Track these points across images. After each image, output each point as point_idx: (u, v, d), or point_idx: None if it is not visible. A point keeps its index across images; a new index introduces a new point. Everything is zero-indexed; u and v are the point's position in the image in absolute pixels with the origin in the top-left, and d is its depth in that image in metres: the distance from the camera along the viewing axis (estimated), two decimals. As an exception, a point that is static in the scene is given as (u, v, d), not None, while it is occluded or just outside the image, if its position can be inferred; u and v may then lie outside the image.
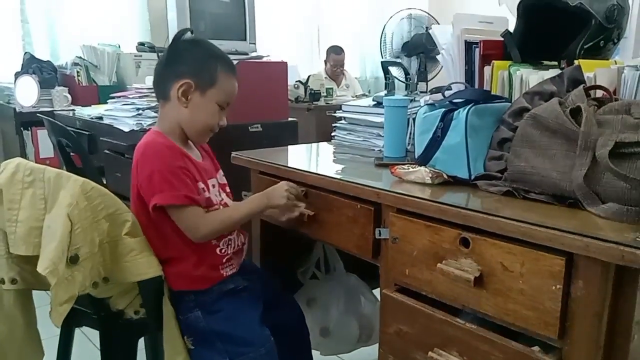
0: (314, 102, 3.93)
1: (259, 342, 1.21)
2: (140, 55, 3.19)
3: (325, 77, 4.58)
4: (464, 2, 4.75)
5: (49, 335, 1.21)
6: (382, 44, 2.10)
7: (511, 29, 1.40)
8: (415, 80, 1.93)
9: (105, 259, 1.09)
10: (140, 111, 2.08)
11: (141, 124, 2.04)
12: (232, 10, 3.44)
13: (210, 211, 1.20)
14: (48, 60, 3.33)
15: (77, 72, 3.24)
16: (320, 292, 1.68)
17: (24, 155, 2.96)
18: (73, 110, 2.84)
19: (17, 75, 3.10)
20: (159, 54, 1.34)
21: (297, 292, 1.67)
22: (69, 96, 3.16)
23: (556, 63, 1.35)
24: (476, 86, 1.39)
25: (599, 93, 1.08)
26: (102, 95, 3.05)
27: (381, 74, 1.89)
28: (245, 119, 2.27)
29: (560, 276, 0.82)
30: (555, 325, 0.83)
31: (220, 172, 1.34)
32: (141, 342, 1.32)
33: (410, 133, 1.43)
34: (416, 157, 1.25)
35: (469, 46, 1.40)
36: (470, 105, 1.13)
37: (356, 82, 5.07)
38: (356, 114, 1.60)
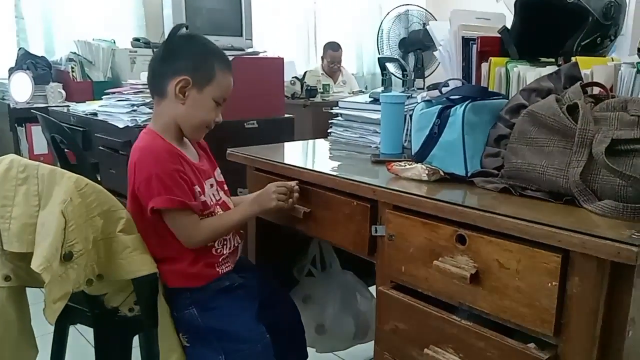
0: (311, 99, 3.93)
1: (254, 339, 1.21)
2: (136, 51, 3.17)
3: (322, 74, 4.58)
4: (460, -2, 4.75)
5: (43, 332, 1.20)
6: (379, 40, 2.09)
7: (508, 25, 1.39)
8: (412, 76, 1.93)
9: (99, 256, 1.09)
10: (135, 107, 2.07)
11: (136, 120, 2.03)
12: (228, 5, 3.42)
13: (205, 215, 1.20)
14: (42, 56, 3.31)
15: (72, 67, 3.22)
16: (316, 289, 1.68)
17: (17, 151, 2.95)
18: (67, 106, 2.83)
19: (11, 71, 3.08)
20: (154, 50, 1.32)
21: (292, 289, 1.66)
22: (63, 92, 3.14)
23: (553, 60, 1.35)
24: (473, 83, 1.39)
25: (596, 90, 1.08)
26: (96, 91, 3.04)
27: (378, 70, 1.88)
28: (241, 115, 2.26)
29: (556, 273, 0.82)
30: (551, 322, 0.83)
31: (218, 170, 1.34)
32: (136, 340, 1.31)
33: (407, 130, 1.43)
34: (413, 153, 1.24)
35: (466, 42, 1.40)
36: (467, 102, 1.13)
37: (353, 78, 5.06)
38: (353, 111, 1.59)
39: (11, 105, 2.99)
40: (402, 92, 1.71)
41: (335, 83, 4.67)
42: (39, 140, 2.80)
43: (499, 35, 1.37)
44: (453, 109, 1.14)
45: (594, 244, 0.77)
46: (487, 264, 0.91)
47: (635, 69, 1.14)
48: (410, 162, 1.18)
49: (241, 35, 3.35)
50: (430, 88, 1.36)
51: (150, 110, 2.02)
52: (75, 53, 3.29)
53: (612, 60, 1.28)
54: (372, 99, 1.56)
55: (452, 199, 0.98)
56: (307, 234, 1.35)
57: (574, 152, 0.93)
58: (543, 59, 1.38)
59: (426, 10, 2.06)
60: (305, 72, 4.18)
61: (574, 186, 0.91)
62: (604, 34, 1.33)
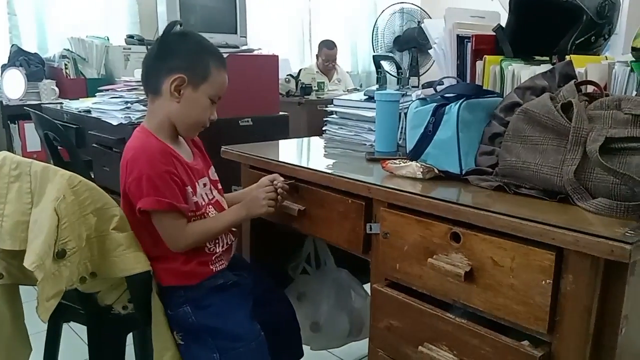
0: (305, 96, 3.92)
1: (248, 337, 1.20)
2: (129, 48, 3.15)
3: (317, 72, 4.57)
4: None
5: (37, 330, 1.20)
6: (374, 38, 2.09)
7: (503, 23, 1.39)
8: (407, 74, 1.93)
9: (92, 253, 1.08)
10: (129, 104, 2.06)
11: (130, 117, 2.02)
12: (222, 3, 3.41)
13: (197, 216, 1.20)
14: (35, 53, 3.29)
15: (65, 64, 3.20)
16: (310, 287, 1.68)
17: (10, 148, 2.93)
18: (61, 103, 2.81)
19: (4, 67, 3.07)
20: (148, 47, 1.32)
21: (287, 287, 1.66)
22: (56, 89, 3.12)
23: (548, 58, 1.35)
24: (468, 81, 1.39)
25: (590, 88, 1.09)
26: (90, 88, 3.02)
27: (373, 68, 1.88)
28: (236, 113, 2.26)
29: (550, 271, 0.82)
30: (544, 320, 0.84)
31: (212, 168, 1.33)
32: (130, 338, 1.31)
33: (402, 128, 1.43)
34: (407, 151, 1.24)
35: (461, 41, 1.40)
36: (461, 100, 1.13)
37: (348, 76, 5.06)
38: (348, 109, 1.59)
39: (4, 102, 2.98)
40: (397, 90, 1.71)
41: (330, 81, 4.66)
42: (32, 137, 2.78)
43: (494, 34, 1.38)
44: (447, 107, 1.15)
45: (588, 241, 0.77)
46: (481, 262, 0.91)
47: (629, 68, 1.14)
48: (405, 160, 1.18)
49: (235, 33, 3.34)
50: (424, 86, 1.36)
51: (144, 108, 2.01)
52: (68, 50, 3.27)
53: (606, 59, 1.28)
54: (367, 96, 1.56)
55: (447, 197, 0.98)
56: (301, 231, 1.35)
57: (568, 151, 0.93)
58: (537, 57, 1.38)
59: (421, 8, 2.06)
60: (300, 70, 4.18)
61: (568, 184, 0.91)
62: (598, 33, 1.33)
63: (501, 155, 1.06)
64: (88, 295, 1.19)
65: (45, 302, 1.00)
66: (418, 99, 1.27)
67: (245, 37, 3.42)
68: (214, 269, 1.23)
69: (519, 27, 1.37)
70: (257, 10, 4.28)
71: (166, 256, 1.18)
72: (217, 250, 1.24)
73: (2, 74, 3.00)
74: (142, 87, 1.34)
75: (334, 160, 1.45)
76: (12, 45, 3.32)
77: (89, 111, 2.31)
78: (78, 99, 2.80)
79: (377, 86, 1.79)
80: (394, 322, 1.07)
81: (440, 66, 1.48)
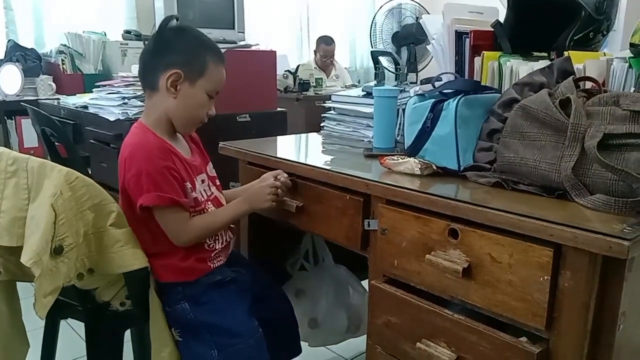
0: (303, 92, 3.92)
1: (247, 334, 1.20)
2: (127, 44, 3.15)
3: (315, 67, 4.56)
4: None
5: (34, 327, 1.20)
6: (372, 34, 2.09)
7: (502, 19, 1.39)
8: (405, 70, 1.92)
9: (90, 250, 1.08)
10: (126, 100, 2.05)
11: (127, 113, 2.01)
12: (220, -2, 3.40)
13: (197, 211, 1.19)
14: (32, 48, 3.28)
15: (62, 60, 3.19)
16: (308, 283, 1.68)
17: (7, 144, 2.93)
18: (58, 99, 2.80)
19: (1, 63, 3.05)
20: (145, 42, 1.31)
21: (285, 283, 1.66)
22: (53, 85, 3.11)
23: (546, 54, 1.35)
24: (466, 77, 1.38)
25: (588, 84, 1.08)
26: (87, 83, 3.02)
27: (371, 64, 1.88)
28: (234, 109, 2.25)
29: (548, 267, 0.82)
30: (542, 316, 0.84)
31: (210, 164, 1.33)
32: (127, 334, 1.31)
33: (400, 124, 1.43)
34: (406, 147, 1.24)
35: (459, 36, 1.40)
36: (460, 96, 1.13)
37: (346, 72, 5.05)
38: (346, 105, 1.59)
39: (0, 98, 2.96)
40: (395, 86, 1.71)
41: (328, 77, 4.66)
42: (29, 133, 2.77)
43: (492, 29, 1.37)
44: (446, 103, 1.14)
45: (586, 238, 0.77)
46: (480, 258, 0.91)
47: (627, 64, 1.14)
48: (403, 156, 1.18)
49: (233, 28, 3.33)
50: (423, 82, 1.35)
51: (141, 103, 2.01)
52: (65, 45, 3.26)
53: (605, 55, 1.28)
54: (365, 92, 1.56)
55: (445, 193, 0.98)
56: (300, 228, 1.35)
57: (566, 147, 0.93)
58: (536, 53, 1.38)
59: (419, 3, 2.06)
60: (298, 66, 4.17)
61: (566, 180, 0.91)
62: (597, 29, 1.33)
63: (499, 151, 1.05)
64: (86, 292, 1.18)
65: (43, 298, 0.99)
66: (416, 94, 1.26)
67: (243, 32, 3.41)
68: (212, 265, 1.23)
69: (517, 23, 1.36)
70: (255, 5, 4.27)
71: (165, 252, 1.18)
72: (217, 247, 1.24)
73: (-2, 69, 2.99)
74: (139, 83, 1.34)
75: (332, 157, 1.45)
76: (9, 40, 3.31)
77: (86, 107, 2.30)
78: (75, 94, 2.79)
79: (375, 82, 1.79)
80: (392, 319, 1.07)
81: (439, 62, 1.48)
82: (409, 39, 2.00)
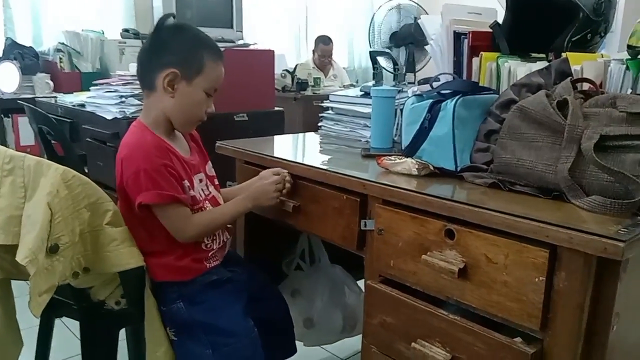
0: (301, 92, 3.91)
1: (242, 333, 1.20)
2: (125, 42, 3.14)
3: (313, 67, 4.56)
4: (452, -7, 4.74)
5: (29, 325, 1.19)
6: (370, 34, 2.08)
7: (500, 20, 1.39)
8: (404, 70, 1.92)
9: (86, 248, 1.08)
10: (124, 99, 2.05)
11: (124, 111, 2.01)
12: (218, -3, 3.40)
13: (195, 210, 1.19)
14: (30, 46, 3.27)
15: (60, 58, 3.18)
16: (304, 283, 1.68)
17: (4, 142, 2.91)
18: (55, 97, 2.79)
19: (-2, 60, 3.04)
20: (144, 41, 1.31)
21: (281, 283, 1.66)
22: (51, 83, 3.10)
23: (544, 55, 1.35)
24: (464, 77, 1.39)
25: (586, 86, 1.09)
26: (85, 82, 3.01)
27: (369, 64, 1.87)
28: (231, 108, 2.25)
29: (543, 268, 0.82)
30: (537, 317, 0.84)
31: (209, 164, 1.32)
32: (122, 333, 1.30)
33: (398, 124, 1.43)
34: (403, 148, 1.24)
35: (457, 37, 1.40)
36: (458, 97, 1.13)
37: (344, 72, 5.05)
38: (343, 104, 1.59)
39: (-2, 96, 2.95)
40: (393, 86, 1.71)
41: (326, 77, 4.65)
42: (26, 131, 2.76)
43: (491, 30, 1.37)
44: (444, 103, 1.14)
45: (581, 239, 0.77)
46: (475, 259, 0.91)
47: (625, 66, 1.15)
48: (401, 157, 1.18)
49: (232, 27, 3.34)
50: (421, 82, 1.36)
51: (139, 102, 2.00)
52: (63, 43, 3.25)
53: (602, 57, 1.28)
54: (362, 92, 1.56)
55: (442, 194, 0.98)
56: (296, 227, 1.34)
57: (563, 148, 0.93)
58: (534, 55, 1.38)
59: (418, 4, 2.05)
60: (296, 65, 4.17)
61: (563, 182, 0.91)
62: (595, 30, 1.33)
63: (496, 152, 1.05)
64: (81, 291, 1.18)
65: (38, 297, 0.99)
66: (414, 95, 1.27)
67: (242, 31, 3.41)
68: (208, 265, 1.22)
69: (515, 24, 1.37)
70: (253, 4, 4.27)
71: (161, 251, 1.18)
72: (214, 247, 1.24)
73: (-4, 67, 2.99)
74: (137, 82, 1.33)
75: (329, 156, 1.45)
76: (7, 38, 3.30)
77: (83, 105, 2.30)
78: (72, 92, 2.78)
79: (373, 82, 1.78)
80: (388, 319, 1.07)
81: (437, 62, 1.48)
82: (408, 39, 2.00)
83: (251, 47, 2.85)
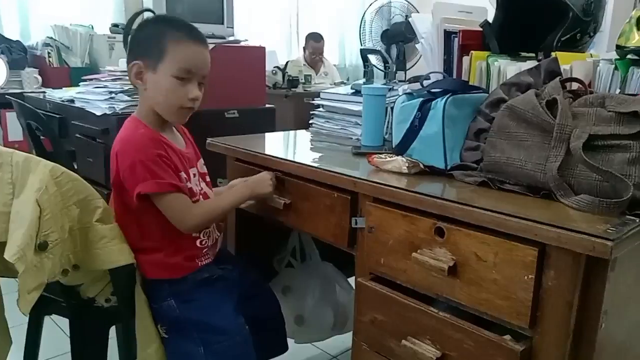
0: (292, 89, 3.90)
1: (233, 331, 1.20)
2: (114, 37, 3.11)
3: (304, 64, 4.55)
4: (443, -9, 4.75)
5: (18, 323, 1.18)
6: (361, 32, 2.08)
7: (490, 19, 1.40)
8: (394, 68, 1.93)
9: (75, 245, 1.07)
10: (113, 94, 2.03)
11: (114, 107, 1.99)
12: (209, -8, 3.37)
13: (193, 202, 1.19)
14: (17, 40, 3.23)
15: (48, 53, 3.14)
16: (295, 280, 1.68)
17: (-8, 137, 2.88)
18: (43, 92, 2.77)
19: (-15, 55, 3.00)
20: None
21: (272, 280, 1.66)
22: (39, 78, 3.07)
23: (533, 54, 1.36)
24: (454, 76, 1.39)
25: (575, 85, 1.10)
26: (74, 77, 2.97)
27: (360, 61, 1.87)
28: (222, 104, 2.24)
29: (532, 266, 0.83)
30: (526, 315, 0.85)
31: (201, 160, 1.32)
32: (113, 331, 1.30)
33: (388, 122, 1.43)
34: (394, 146, 1.25)
35: (448, 36, 1.40)
36: (448, 96, 1.13)
37: (335, 69, 5.04)
38: (334, 102, 1.59)
39: (-15, 91, 2.91)
40: (384, 84, 1.71)
41: (317, 74, 4.65)
42: (14, 126, 2.73)
43: (481, 29, 1.38)
44: (434, 102, 1.15)
45: (570, 238, 0.78)
46: (465, 257, 0.92)
47: (613, 66, 1.16)
48: (391, 155, 1.18)
49: (222, 23, 3.31)
50: (411, 80, 1.36)
51: (128, 98, 2.00)
52: (52, 38, 3.21)
53: (591, 56, 1.30)
54: (353, 90, 1.56)
55: (432, 192, 0.99)
56: (287, 225, 1.35)
57: (552, 147, 0.94)
58: (523, 54, 1.39)
59: (409, 2, 2.06)
60: (287, 62, 4.15)
61: (552, 180, 0.92)
62: (584, 30, 1.34)
63: (486, 151, 1.06)
64: (70, 288, 1.17)
65: (27, 294, 0.98)
66: (405, 93, 1.27)
67: (232, 27, 3.38)
68: (199, 263, 1.22)
69: (505, 24, 1.37)
70: (244, 1, 4.25)
71: (153, 247, 1.17)
72: (209, 244, 1.24)
73: (-17, 61, 2.95)
74: (126, 77, 1.32)
75: (320, 154, 1.45)
76: (-6, 32, 3.26)
77: (72, 101, 2.28)
78: (61, 88, 2.75)
79: (364, 80, 1.79)
80: (378, 316, 1.07)
81: (427, 61, 1.48)
82: (398, 37, 2.00)
83: (242, 44, 2.83)
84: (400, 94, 1.33)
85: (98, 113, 2.03)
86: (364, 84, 1.56)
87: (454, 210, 0.93)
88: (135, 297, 1.16)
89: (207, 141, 1.51)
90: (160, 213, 1.14)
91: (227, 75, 2.18)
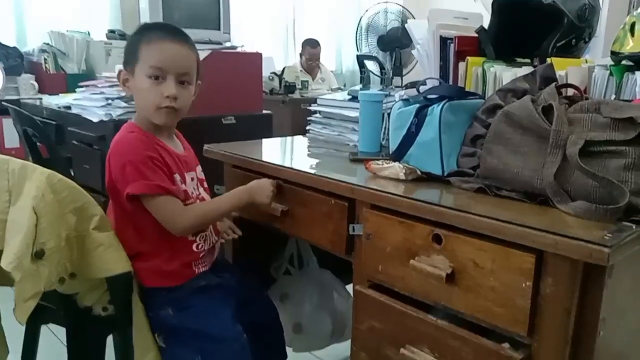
0: (289, 95, 3.91)
1: (231, 339, 1.20)
2: (111, 43, 3.12)
3: (301, 70, 4.56)
4: (439, -4, 4.78)
5: (14, 332, 1.18)
6: (357, 38, 2.09)
7: (486, 25, 1.40)
8: (391, 74, 1.93)
9: (72, 253, 1.07)
10: (110, 101, 2.03)
11: (110, 114, 1.99)
12: (206, -2, 3.38)
13: (186, 204, 1.18)
14: (14, 47, 3.23)
15: (45, 59, 3.14)
16: (293, 287, 1.68)
17: (-12, 144, 2.87)
18: (40, 98, 2.76)
19: (-19, 61, 3.00)
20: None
21: (270, 287, 1.66)
22: (35, 84, 3.07)
23: (529, 60, 1.37)
24: (450, 82, 1.39)
25: (570, 91, 1.10)
26: (70, 83, 2.97)
27: (357, 67, 1.88)
28: (219, 110, 2.24)
29: (530, 273, 0.83)
30: (524, 322, 0.84)
31: (199, 167, 1.32)
32: (110, 340, 1.29)
33: (385, 128, 1.43)
34: (390, 152, 1.25)
35: (444, 42, 1.41)
36: (444, 102, 1.13)
37: (332, 75, 5.05)
38: (331, 108, 1.59)
39: (-19, 97, 2.91)
40: (381, 90, 1.71)
41: (313, 80, 4.66)
42: (10, 133, 2.72)
43: (477, 35, 1.38)
44: (430, 108, 1.15)
45: (567, 244, 0.78)
46: (463, 264, 0.92)
47: (608, 72, 1.16)
48: (388, 161, 1.18)
49: (219, 29, 3.32)
50: (408, 86, 1.36)
51: (125, 104, 2.00)
52: (48, 44, 3.21)
53: (586, 62, 1.30)
54: (350, 96, 1.56)
55: (429, 199, 0.99)
56: (284, 232, 1.34)
57: (548, 153, 0.94)
58: (519, 60, 1.40)
59: (405, 8, 2.07)
60: (284, 68, 4.16)
61: (548, 187, 0.92)
62: (579, 36, 1.35)
63: (482, 157, 1.06)
64: (67, 296, 1.17)
65: (23, 303, 0.98)
66: (401, 99, 1.27)
67: (229, 33, 3.39)
68: (196, 270, 1.22)
69: (501, 29, 1.38)
70: (241, 7, 4.26)
71: (150, 252, 1.17)
72: (205, 248, 1.23)
73: (-21, 68, 2.94)
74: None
75: (318, 160, 1.45)
76: (-10, 38, 3.26)
77: (69, 107, 2.28)
78: (58, 94, 2.75)
79: (360, 86, 1.79)
80: (376, 324, 1.07)
81: (424, 67, 1.49)
82: (395, 43, 2.01)
83: (239, 50, 2.84)
84: (396, 100, 1.33)
85: (95, 119, 2.02)
86: (361, 89, 1.56)
87: (451, 217, 0.92)
88: (133, 306, 1.15)
89: (204, 147, 1.51)
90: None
91: (223, 81, 2.18)
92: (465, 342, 0.91)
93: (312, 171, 1.23)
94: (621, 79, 1.14)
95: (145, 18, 3.20)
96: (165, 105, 1.15)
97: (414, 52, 1.55)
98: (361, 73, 1.87)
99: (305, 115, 1.68)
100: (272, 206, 1.28)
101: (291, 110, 3.69)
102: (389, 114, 1.33)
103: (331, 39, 5.44)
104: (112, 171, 1.14)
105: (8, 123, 2.67)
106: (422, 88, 1.23)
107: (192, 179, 1.25)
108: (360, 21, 2.08)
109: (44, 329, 1.35)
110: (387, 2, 2.11)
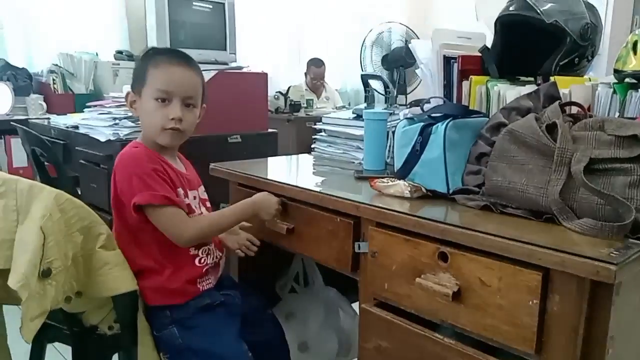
0: (294, 113, 3.94)
1: (236, 358, 1.19)
2: (118, 64, 3.16)
3: (306, 89, 4.59)
4: (443, 16, 4.83)
5: (20, 351, 1.17)
6: (362, 57, 2.11)
7: (489, 44, 1.42)
8: (395, 93, 1.94)
9: (78, 272, 1.07)
10: (117, 121, 2.05)
11: (118, 133, 2.01)
12: (212, 19, 3.43)
13: (193, 217, 1.20)
14: (23, 68, 3.27)
15: (53, 79, 3.18)
16: (298, 306, 1.67)
17: (-4, 164, 2.90)
18: (48, 118, 2.79)
19: (-9, 82, 3.04)
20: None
21: (275, 306, 1.65)
22: (44, 104, 3.10)
23: (532, 79, 1.38)
24: (454, 101, 1.40)
25: (574, 109, 1.10)
26: (78, 103, 3.00)
27: (361, 86, 1.89)
28: (225, 129, 2.26)
29: (537, 291, 0.83)
30: (532, 340, 0.84)
31: (202, 187, 1.33)
32: (115, 358, 1.29)
33: (390, 146, 1.44)
34: (395, 170, 1.25)
35: (447, 61, 1.42)
36: (448, 120, 1.14)
37: (336, 94, 5.08)
38: (336, 127, 1.60)
39: (-10, 117, 2.94)
40: (385, 108, 1.73)
41: (318, 98, 4.69)
42: (19, 153, 2.75)
43: (480, 55, 1.40)
44: (435, 126, 1.16)
45: (574, 262, 0.78)
46: (469, 282, 0.92)
47: (612, 89, 1.17)
48: (393, 179, 1.19)
49: (225, 49, 3.36)
50: (412, 105, 1.37)
51: (132, 124, 2.01)
52: (57, 65, 3.25)
53: (590, 80, 1.31)
54: (355, 115, 1.57)
55: (434, 216, 0.99)
56: (290, 250, 1.34)
57: (553, 171, 0.94)
58: (522, 78, 1.41)
59: (409, 27, 2.09)
60: (289, 87, 4.20)
61: (554, 204, 0.92)
62: (582, 54, 1.36)
63: (487, 175, 1.07)
64: (73, 315, 1.17)
65: (30, 322, 0.98)
66: (406, 118, 1.28)
67: (235, 53, 3.44)
68: (201, 288, 1.22)
69: (504, 49, 1.39)
70: (247, 27, 4.31)
71: (153, 269, 1.17)
72: (208, 262, 1.23)
73: (-12, 88, 2.98)
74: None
75: (323, 178, 1.46)
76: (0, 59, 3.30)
77: (76, 127, 2.30)
78: (66, 114, 2.77)
79: (365, 104, 1.80)
80: (383, 343, 1.06)
81: (427, 86, 1.50)
82: (399, 62, 2.02)
83: (244, 70, 2.87)
84: (401, 118, 1.34)
85: (102, 139, 2.04)
86: (365, 108, 1.57)
87: (457, 235, 0.93)
88: (138, 325, 1.15)
89: (210, 166, 1.52)
90: (158, 230, 1.15)
91: (229, 101, 2.20)
92: (472, 360, 0.91)
93: (318, 189, 1.24)
94: (625, 97, 1.15)
95: (152, 39, 3.25)
96: (170, 127, 1.18)
97: (417, 71, 1.56)
98: (365, 92, 1.88)
99: (310, 134, 1.69)
100: (277, 224, 1.28)
101: (296, 129, 3.72)
102: (393, 132, 1.33)
103: (335, 58, 5.48)
104: (117, 184, 1.16)
105: (17, 142, 2.70)
106: (426, 106, 1.24)
107: (195, 198, 1.26)
108: (364, 41, 2.10)
109: (50, 348, 1.34)
110: (391, 22, 2.12)
